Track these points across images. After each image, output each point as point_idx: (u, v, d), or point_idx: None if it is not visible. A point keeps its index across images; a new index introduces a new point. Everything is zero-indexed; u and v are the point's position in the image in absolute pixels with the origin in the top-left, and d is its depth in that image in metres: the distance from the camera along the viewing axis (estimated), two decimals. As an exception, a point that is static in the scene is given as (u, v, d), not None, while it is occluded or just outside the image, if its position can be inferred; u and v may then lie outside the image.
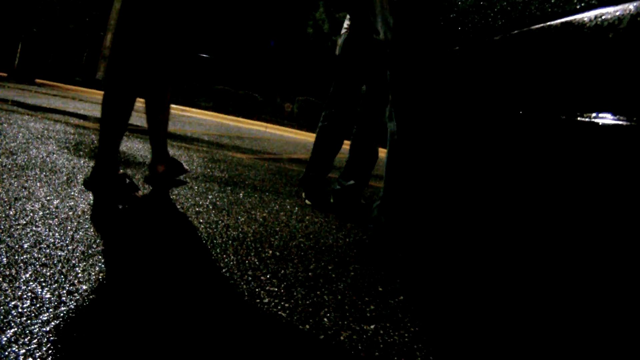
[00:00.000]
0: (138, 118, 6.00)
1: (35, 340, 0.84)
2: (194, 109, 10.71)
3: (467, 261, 1.30)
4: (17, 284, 1.03)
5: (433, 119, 1.55)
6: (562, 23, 0.97)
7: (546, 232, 0.97)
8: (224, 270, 1.37)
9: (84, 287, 1.09)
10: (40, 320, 0.91)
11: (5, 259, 1.14)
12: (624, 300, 0.78)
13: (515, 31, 1.14)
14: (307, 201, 2.68)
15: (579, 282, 0.88)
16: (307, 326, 1.11)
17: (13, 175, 1.95)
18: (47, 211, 1.57)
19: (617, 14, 0.83)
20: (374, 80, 2.69)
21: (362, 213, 2.62)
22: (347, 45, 2.65)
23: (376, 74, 2.66)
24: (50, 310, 0.95)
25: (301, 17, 17.31)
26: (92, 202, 1.79)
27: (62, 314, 0.94)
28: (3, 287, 1.01)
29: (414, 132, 1.68)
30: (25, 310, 0.93)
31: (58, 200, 1.72)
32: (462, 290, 1.45)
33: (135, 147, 3.48)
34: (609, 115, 0.82)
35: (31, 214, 1.51)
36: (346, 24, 2.77)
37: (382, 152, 7.86)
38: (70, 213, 1.61)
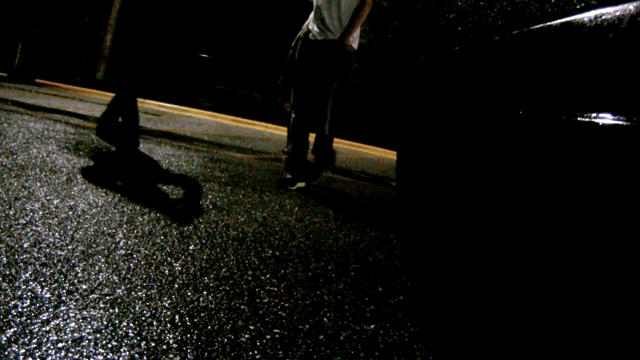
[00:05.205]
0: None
1: (35, 340, 0.84)
2: (194, 109, 10.70)
3: (468, 261, 1.30)
4: (17, 284, 1.03)
5: (433, 119, 1.55)
6: (562, 23, 0.97)
7: (547, 233, 0.97)
8: (224, 270, 1.37)
9: (84, 287, 1.09)
10: (40, 320, 0.91)
11: (5, 259, 1.14)
12: (624, 301, 0.78)
13: (515, 31, 1.14)
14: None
15: (578, 282, 0.88)
16: (307, 326, 1.11)
17: (13, 175, 1.95)
18: (47, 211, 1.57)
19: (617, 14, 0.83)
20: (314, 75, 3.07)
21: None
22: (302, 48, 3.09)
23: (317, 70, 3.05)
24: (50, 310, 0.95)
25: (300, 17, 17.35)
26: (92, 201, 1.78)
27: (62, 314, 0.95)
28: (3, 286, 1.01)
29: (415, 133, 1.68)
30: (25, 310, 0.93)
31: (58, 200, 1.72)
32: (463, 290, 1.45)
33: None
34: (609, 116, 0.82)
35: (31, 214, 1.51)
36: (305, 27, 3.22)
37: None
38: (70, 213, 1.60)
